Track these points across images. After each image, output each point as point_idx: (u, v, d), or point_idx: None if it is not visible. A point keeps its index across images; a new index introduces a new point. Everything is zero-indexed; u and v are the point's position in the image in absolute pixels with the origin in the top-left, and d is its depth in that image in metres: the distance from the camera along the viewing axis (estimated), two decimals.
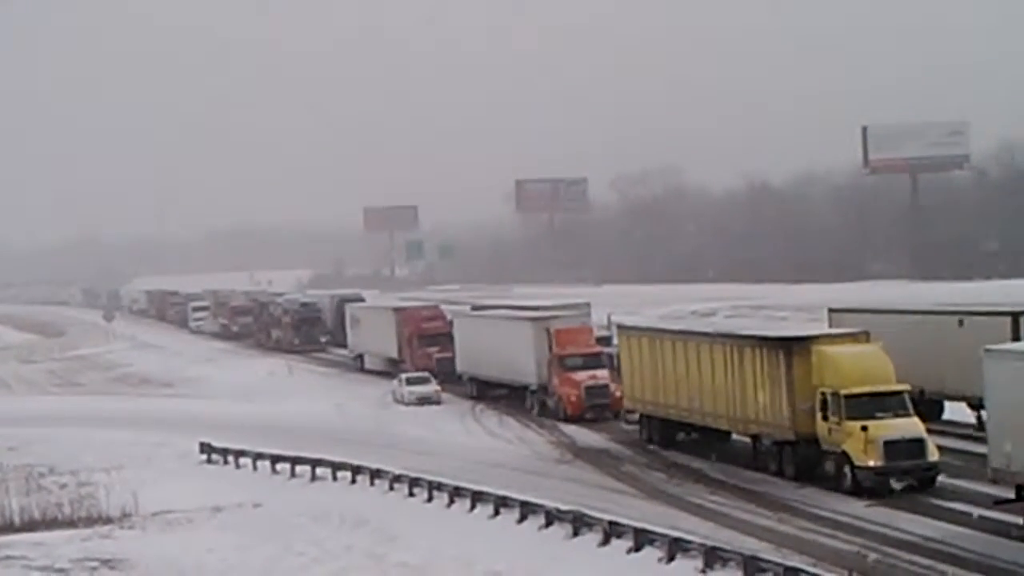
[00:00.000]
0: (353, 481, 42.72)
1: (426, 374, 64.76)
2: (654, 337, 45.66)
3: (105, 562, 34.58)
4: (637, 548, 30.43)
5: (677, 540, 29.65)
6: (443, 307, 77.62)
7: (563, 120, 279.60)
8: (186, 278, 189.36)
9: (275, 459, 46.51)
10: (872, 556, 27.38)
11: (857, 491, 34.90)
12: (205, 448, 50.04)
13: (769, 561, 27.34)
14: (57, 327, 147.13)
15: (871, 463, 34.78)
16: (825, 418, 36.29)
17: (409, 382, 63.27)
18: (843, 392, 35.80)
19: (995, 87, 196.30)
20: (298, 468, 45.37)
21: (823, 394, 36.45)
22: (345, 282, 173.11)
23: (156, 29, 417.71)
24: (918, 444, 35.01)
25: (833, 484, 35.80)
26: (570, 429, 51.06)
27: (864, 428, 34.91)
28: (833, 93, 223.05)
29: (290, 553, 34.48)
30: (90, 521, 39.86)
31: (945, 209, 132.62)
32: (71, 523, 39.82)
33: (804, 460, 37.29)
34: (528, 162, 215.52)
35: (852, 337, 38.68)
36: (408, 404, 61.69)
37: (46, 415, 66.36)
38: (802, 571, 26.36)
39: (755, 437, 39.99)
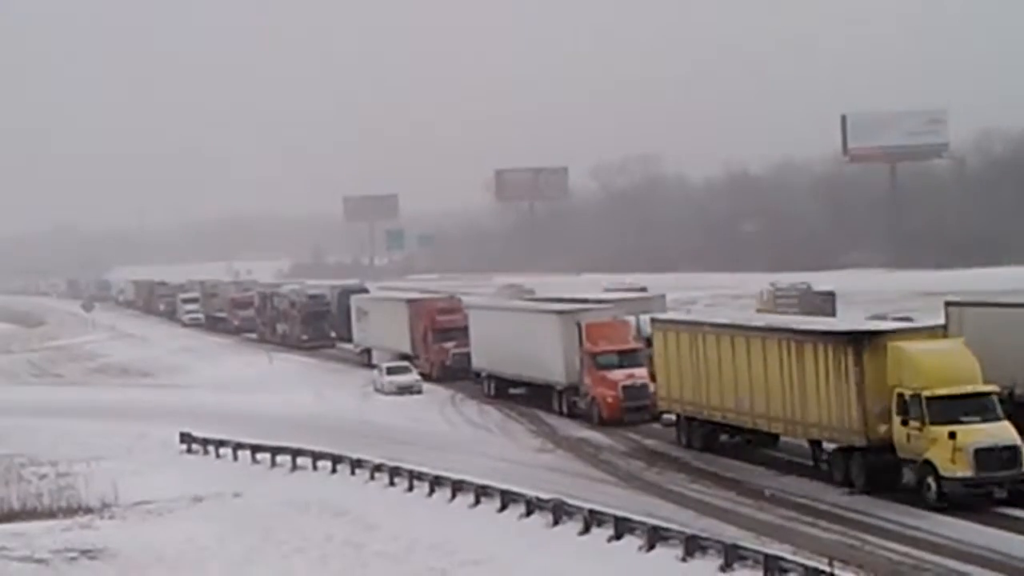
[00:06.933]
0: (333, 471, 42.65)
1: (406, 363, 64.60)
2: (695, 332, 41.91)
3: (85, 552, 34.55)
4: (618, 536, 30.44)
5: (657, 528, 29.67)
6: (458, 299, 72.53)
7: (543, 109, 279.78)
8: (165, 268, 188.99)
9: (255, 449, 46.45)
10: None
11: (943, 504, 31.53)
12: (185, 438, 49.97)
13: (749, 549, 27.40)
14: (36, 317, 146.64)
15: (960, 473, 31.31)
16: (904, 423, 32.71)
17: (389, 371, 63.12)
18: (926, 394, 32.18)
19: (974, 75, 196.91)
20: (278, 458, 45.29)
21: (901, 395, 32.79)
22: (325, 272, 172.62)
23: (137, 21, 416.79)
24: (1012, 452, 31.58)
25: (914, 496, 32.35)
26: (551, 419, 51.08)
27: (952, 435, 31.44)
28: (813, 81, 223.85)
29: (270, 542, 34.48)
30: (70, 511, 39.79)
31: (924, 198, 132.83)
32: (51, 514, 39.74)
33: (876, 468, 33.71)
34: (508, 151, 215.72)
35: (929, 332, 35.40)
36: (388, 393, 61.58)
37: (25, 406, 66.11)
38: (782, 559, 26.44)
39: (814, 442, 36.53)
